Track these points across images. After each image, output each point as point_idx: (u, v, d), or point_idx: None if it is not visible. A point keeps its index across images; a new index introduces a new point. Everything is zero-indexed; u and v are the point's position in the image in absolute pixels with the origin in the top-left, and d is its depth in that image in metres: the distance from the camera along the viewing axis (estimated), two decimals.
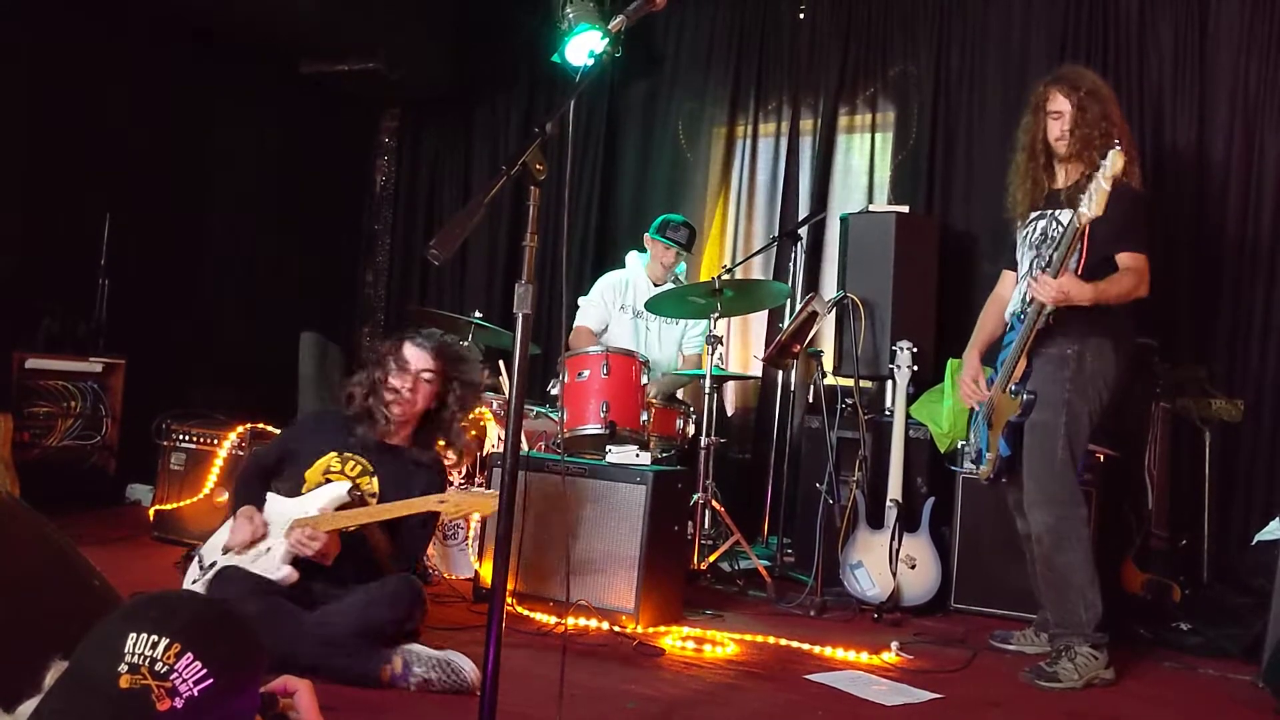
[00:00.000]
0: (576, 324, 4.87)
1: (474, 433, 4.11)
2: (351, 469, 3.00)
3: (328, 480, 2.95)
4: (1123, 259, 3.24)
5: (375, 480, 2.98)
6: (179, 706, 1.15)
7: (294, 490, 3.00)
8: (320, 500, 2.87)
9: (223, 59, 5.69)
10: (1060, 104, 3.36)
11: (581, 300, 4.95)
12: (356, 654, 2.58)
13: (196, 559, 2.99)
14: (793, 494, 4.68)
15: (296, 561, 2.77)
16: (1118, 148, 2.94)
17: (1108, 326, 3.27)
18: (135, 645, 1.16)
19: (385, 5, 5.71)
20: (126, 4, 5.16)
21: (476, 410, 4.12)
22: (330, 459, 3.01)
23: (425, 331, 3.14)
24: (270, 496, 2.99)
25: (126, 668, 1.15)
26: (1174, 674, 3.41)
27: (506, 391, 3.52)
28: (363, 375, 3.08)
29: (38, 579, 1.58)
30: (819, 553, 3.98)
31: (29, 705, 1.18)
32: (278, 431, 4.27)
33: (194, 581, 2.93)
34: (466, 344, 3.16)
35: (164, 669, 1.15)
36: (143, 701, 1.14)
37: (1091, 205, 2.96)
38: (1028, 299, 3.30)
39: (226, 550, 2.92)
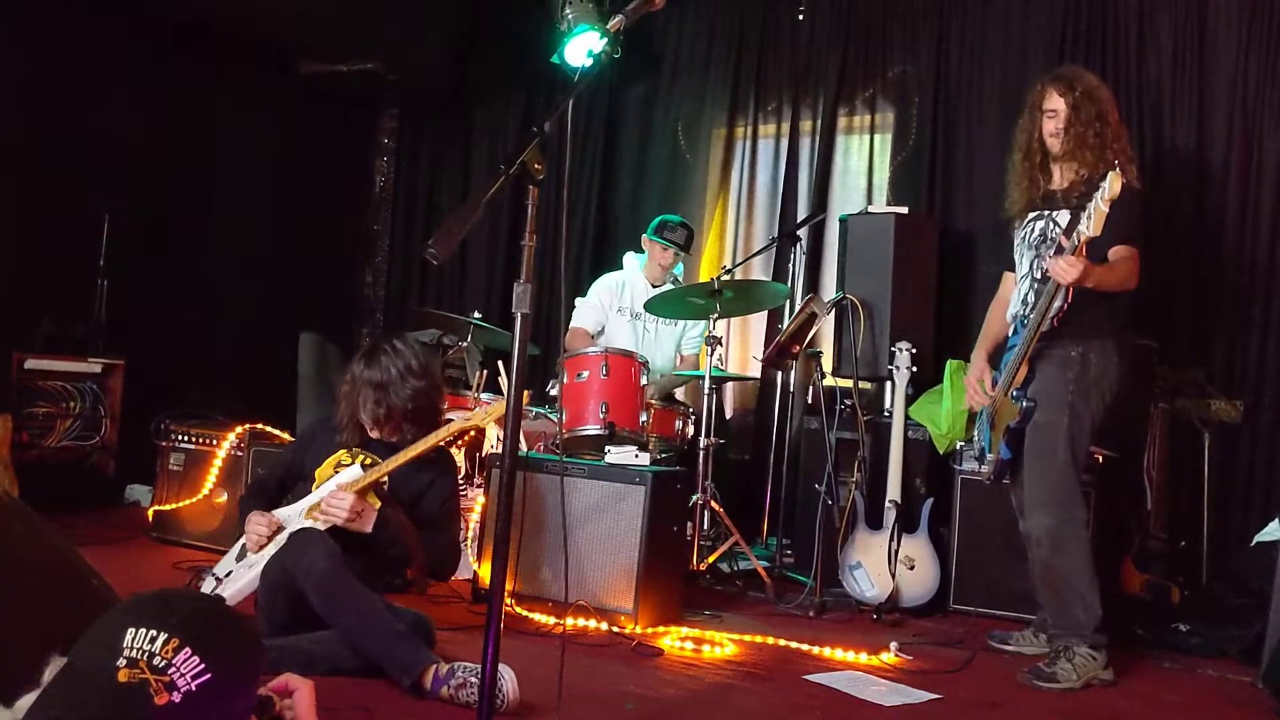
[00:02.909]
0: (572, 325, 4.86)
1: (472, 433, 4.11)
2: (362, 461, 3.01)
3: (337, 473, 2.96)
4: (1115, 251, 3.26)
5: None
6: (177, 701, 1.15)
7: (304, 494, 3.00)
8: (333, 485, 2.88)
9: (223, 59, 5.69)
10: (1055, 102, 3.37)
11: (578, 301, 4.94)
12: (412, 642, 2.57)
13: (210, 577, 2.98)
14: (792, 495, 4.67)
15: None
16: (1116, 169, 2.95)
17: (1110, 328, 3.28)
18: (134, 640, 1.16)
19: (385, 6, 5.71)
20: (126, 4, 5.16)
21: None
22: (340, 455, 3.03)
23: (363, 394, 3.02)
24: (276, 512, 2.99)
25: (125, 662, 1.15)
26: (1173, 675, 3.41)
27: (506, 392, 3.51)
28: (345, 390, 3.07)
29: (36, 578, 1.58)
30: (818, 553, 3.98)
31: (28, 699, 1.18)
32: (277, 431, 4.29)
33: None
34: (413, 358, 3.07)
35: (162, 663, 1.15)
36: (140, 695, 1.14)
37: (1090, 225, 2.98)
38: (1030, 299, 3.31)
39: (242, 557, 2.92)
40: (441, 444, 3.06)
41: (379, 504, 2.84)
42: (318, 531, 2.74)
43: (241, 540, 2.99)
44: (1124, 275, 3.23)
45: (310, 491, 2.98)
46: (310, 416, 5.29)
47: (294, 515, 2.91)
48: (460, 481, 4.03)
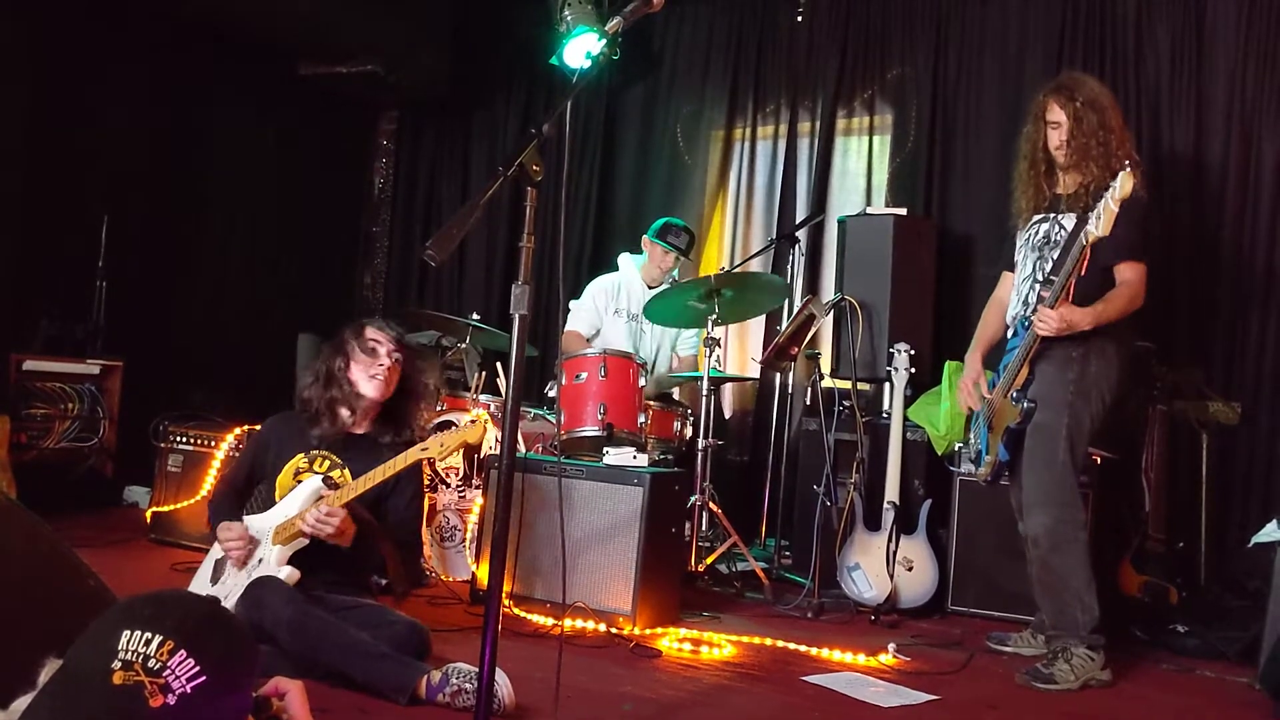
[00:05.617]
0: (567, 328, 4.83)
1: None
2: (321, 466, 2.97)
3: (298, 483, 2.92)
4: (1121, 270, 3.25)
5: (347, 472, 2.94)
6: (172, 703, 1.14)
7: (268, 503, 2.96)
8: (297, 501, 2.83)
9: (223, 59, 5.69)
10: (1057, 114, 3.36)
11: (573, 304, 4.91)
12: (398, 661, 2.56)
13: None
14: (790, 496, 4.68)
15: (296, 562, 2.76)
16: (1128, 169, 2.93)
17: (1110, 329, 3.27)
18: (129, 642, 1.16)
19: (384, 7, 5.71)
20: (127, 4, 5.16)
21: (473, 415, 4.13)
22: (298, 460, 2.98)
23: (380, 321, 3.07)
24: (246, 519, 2.95)
25: (120, 664, 1.14)
26: (1171, 676, 3.41)
27: (504, 393, 3.51)
28: (318, 368, 3.01)
29: (34, 579, 1.58)
30: (816, 555, 3.98)
31: (23, 701, 1.18)
32: None
33: None
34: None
35: (157, 665, 1.15)
36: (135, 698, 1.13)
37: (1100, 225, 2.97)
38: (1031, 300, 3.32)
39: (217, 571, 2.90)
40: (405, 434, 3.03)
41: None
42: (269, 579, 2.70)
43: (212, 558, 2.95)
44: (1128, 300, 3.23)
45: (274, 499, 2.93)
46: None
47: (262, 534, 2.86)
48: (460, 482, 4.05)
